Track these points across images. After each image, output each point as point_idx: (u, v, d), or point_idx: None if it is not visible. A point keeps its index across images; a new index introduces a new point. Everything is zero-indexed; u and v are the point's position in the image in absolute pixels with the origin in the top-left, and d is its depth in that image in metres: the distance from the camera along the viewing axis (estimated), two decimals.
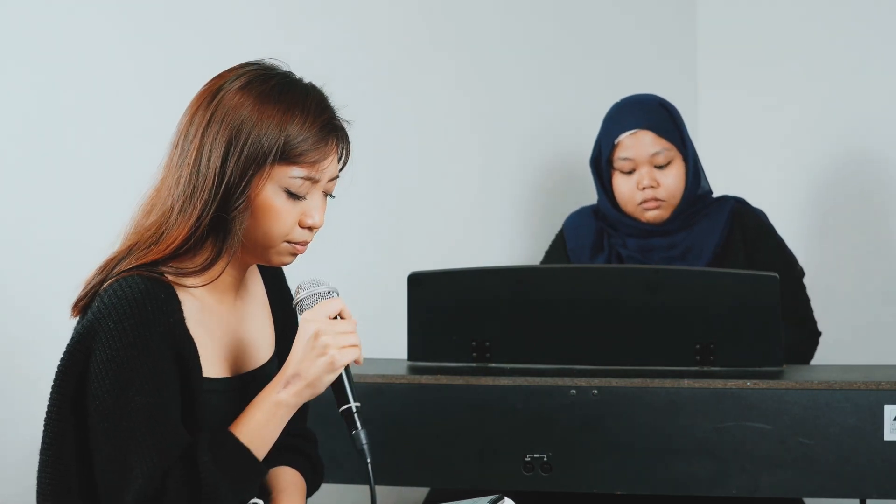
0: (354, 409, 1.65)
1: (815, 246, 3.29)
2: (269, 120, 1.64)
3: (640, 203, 2.70)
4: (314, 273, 1.75)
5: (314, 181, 1.67)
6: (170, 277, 1.63)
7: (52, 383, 1.62)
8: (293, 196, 1.66)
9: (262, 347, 1.79)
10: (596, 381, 2.08)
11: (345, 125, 1.72)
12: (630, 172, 2.71)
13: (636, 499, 2.13)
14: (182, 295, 1.64)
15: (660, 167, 2.69)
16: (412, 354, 2.27)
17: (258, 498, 1.70)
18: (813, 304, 2.76)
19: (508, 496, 1.72)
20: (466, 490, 1.97)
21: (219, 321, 1.71)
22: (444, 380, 2.13)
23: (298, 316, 1.67)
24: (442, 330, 2.26)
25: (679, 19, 3.55)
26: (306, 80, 1.72)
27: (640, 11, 3.50)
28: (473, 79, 3.20)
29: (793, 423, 2.03)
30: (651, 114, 2.71)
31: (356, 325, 1.65)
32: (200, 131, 1.65)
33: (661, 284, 2.21)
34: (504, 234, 3.27)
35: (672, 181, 2.69)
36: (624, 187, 2.72)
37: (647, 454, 2.06)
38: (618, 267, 2.58)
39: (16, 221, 2.47)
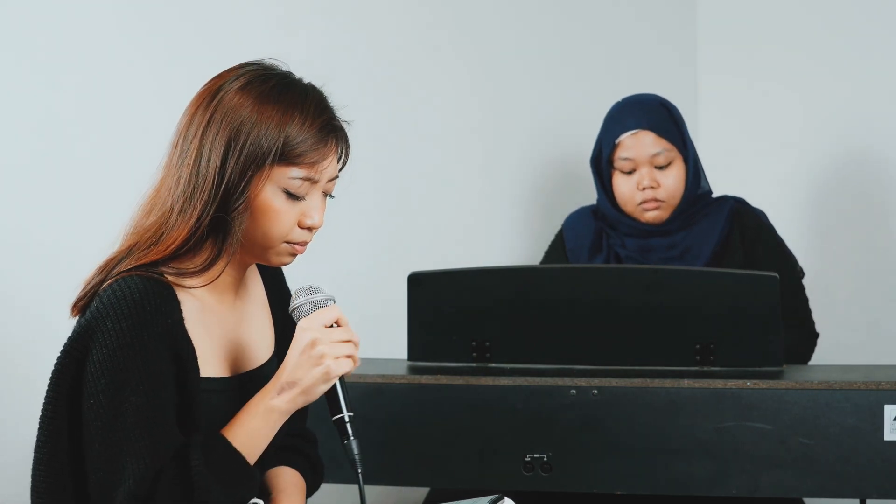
0: (347, 420, 1.65)
1: (815, 246, 3.29)
2: (268, 120, 1.64)
3: (640, 203, 2.70)
4: (314, 274, 1.75)
5: (313, 182, 1.67)
6: (169, 278, 1.63)
7: (48, 382, 1.62)
8: (292, 196, 1.66)
9: (261, 347, 1.79)
10: (596, 381, 2.08)
11: (344, 125, 1.72)
12: (630, 172, 2.71)
13: (636, 499, 2.13)
14: (182, 295, 1.64)
15: (660, 168, 2.69)
16: (412, 354, 2.27)
17: (258, 498, 1.70)
18: (813, 304, 2.76)
19: (508, 496, 1.72)
20: (466, 490, 1.97)
21: (218, 321, 1.71)
22: (444, 380, 2.13)
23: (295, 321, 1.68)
24: (442, 330, 2.26)
25: (679, 18, 3.55)
26: (306, 80, 1.72)
27: (640, 10, 3.50)
28: (473, 78, 3.20)
29: (793, 423, 2.03)
30: (652, 114, 2.71)
31: (358, 340, 1.65)
32: (200, 132, 1.65)
33: (661, 284, 2.21)
34: (504, 234, 3.27)
35: (672, 182, 2.69)
36: (624, 187, 2.72)
37: (647, 454, 2.06)
38: (618, 267, 2.58)
39: (16, 222, 2.47)
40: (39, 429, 1.62)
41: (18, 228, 2.47)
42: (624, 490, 2.08)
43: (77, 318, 1.66)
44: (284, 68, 1.72)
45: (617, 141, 2.71)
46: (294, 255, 1.71)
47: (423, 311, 2.26)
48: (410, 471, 2.16)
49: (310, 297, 1.67)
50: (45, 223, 2.50)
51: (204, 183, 1.63)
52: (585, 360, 2.19)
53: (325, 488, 1.96)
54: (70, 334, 1.62)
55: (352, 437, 1.65)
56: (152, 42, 2.64)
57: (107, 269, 1.66)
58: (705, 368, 2.16)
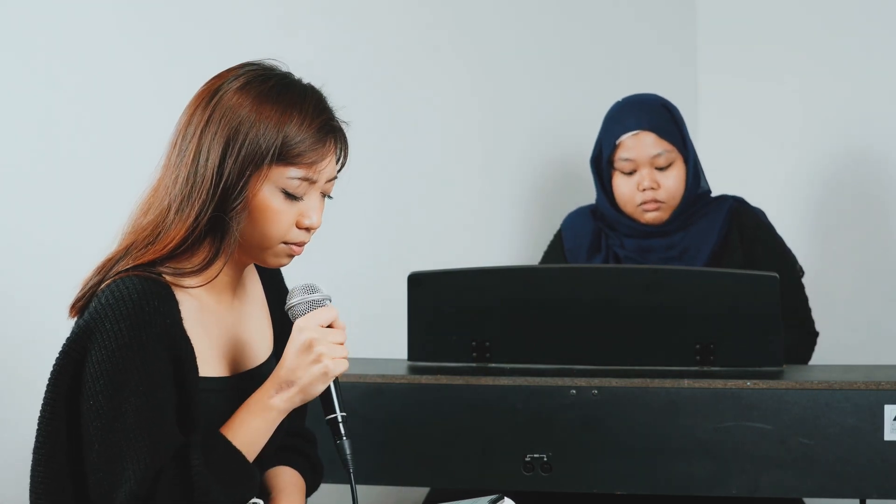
0: (340, 420, 1.66)
1: (815, 246, 3.29)
2: (267, 120, 1.64)
3: (641, 204, 2.70)
4: (313, 275, 1.75)
5: (312, 182, 1.67)
6: (167, 278, 1.63)
7: (46, 382, 1.62)
8: (291, 197, 1.66)
9: (260, 346, 1.79)
10: (596, 381, 2.08)
11: (343, 126, 1.72)
12: (631, 173, 2.70)
13: (636, 499, 2.13)
14: (180, 295, 1.64)
15: (661, 169, 2.69)
16: (412, 354, 2.27)
17: (258, 498, 1.70)
18: (813, 304, 2.76)
19: (508, 496, 1.72)
20: (466, 490, 1.97)
21: (217, 320, 1.71)
22: (444, 380, 2.13)
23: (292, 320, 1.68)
24: (442, 330, 2.26)
25: (679, 18, 3.55)
26: (305, 80, 1.72)
27: (640, 10, 3.50)
28: (473, 78, 3.20)
29: (793, 423, 2.03)
30: (653, 115, 2.71)
31: (346, 336, 1.67)
32: (199, 131, 1.65)
33: (661, 284, 2.21)
34: (504, 234, 3.27)
35: (672, 183, 2.69)
36: (624, 188, 2.72)
37: (647, 454, 2.06)
38: (618, 267, 2.58)
39: (15, 222, 2.47)
40: (38, 430, 1.62)
41: (18, 229, 2.47)
42: (624, 490, 2.08)
43: (75, 318, 1.66)
44: (284, 68, 1.72)
45: (618, 141, 2.71)
46: (291, 256, 1.71)
47: (423, 311, 2.26)
48: (410, 471, 2.16)
49: (306, 296, 1.67)
50: (45, 223, 2.50)
51: (202, 182, 1.63)
52: (585, 360, 2.19)
53: (325, 488, 1.97)
54: (69, 335, 1.62)
55: (344, 437, 1.66)
56: (152, 42, 2.64)
57: (104, 269, 1.66)
58: (705, 368, 2.16)
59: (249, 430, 1.64)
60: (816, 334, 2.74)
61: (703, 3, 3.55)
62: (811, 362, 2.70)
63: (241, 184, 1.63)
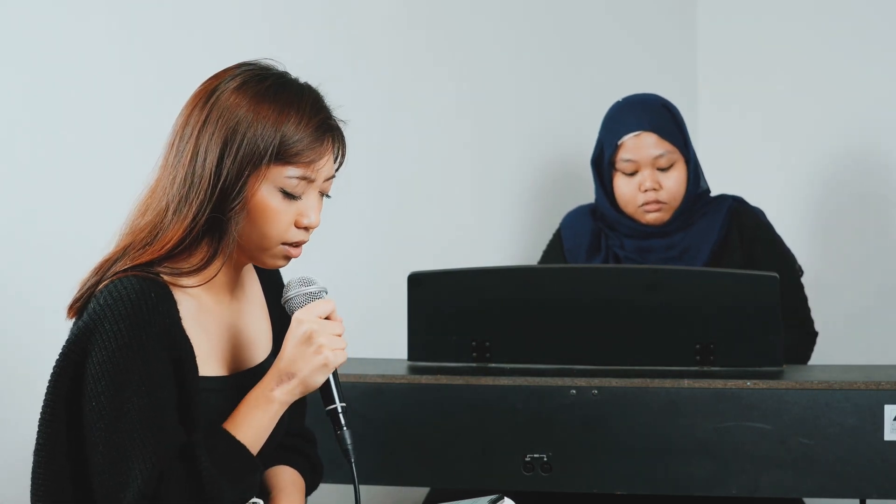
0: (340, 410, 1.68)
1: (815, 246, 3.29)
2: (264, 120, 1.63)
3: (642, 205, 2.70)
4: (313, 274, 1.75)
5: (310, 181, 1.67)
6: (165, 277, 1.63)
7: (47, 384, 1.62)
8: (289, 196, 1.66)
9: (259, 345, 1.79)
10: (596, 381, 2.08)
11: (341, 125, 1.72)
12: (632, 174, 2.70)
13: (636, 499, 2.13)
14: (178, 295, 1.64)
15: (662, 169, 2.69)
16: (412, 354, 2.27)
17: (258, 497, 1.70)
18: (812, 303, 2.76)
19: (508, 496, 1.72)
20: (466, 490, 1.97)
21: (216, 320, 1.71)
22: (444, 380, 2.13)
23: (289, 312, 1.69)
24: (442, 330, 2.26)
25: (679, 18, 3.55)
26: (302, 80, 1.72)
27: (640, 10, 3.50)
28: (472, 78, 3.20)
29: (793, 423, 2.03)
30: (655, 115, 2.71)
31: (344, 327, 1.67)
32: (196, 131, 1.65)
33: (661, 284, 2.21)
34: (504, 234, 3.27)
35: (674, 183, 2.69)
36: (625, 188, 2.71)
37: (647, 454, 2.06)
38: (618, 267, 2.58)
39: (15, 222, 2.47)
40: (38, 431, 1.62)
41: (18, 229, 2.47)
42: (624, 490, 2.08)
43: (74, 319, 1.66)
44: (280, 68, 1.72)
45: (619, 142, 2.71)
46: (289, 258, 1.71)
47: (423, 311, 2.26)
48: (410, 471, 2.16)
49: (303, 288, 1.68)
50: (45, 223, 2.50)
51: (200, 182, 1.63)
52: (585, 360, 2.19)
53: (325, 488, 1.96)
54: (68, 336, 1.62)
55: (344, 427, 1.67)
56: (150, 42, 2.64)
57: (102, 269, 1.66)
58: (705, 368, 2.16)
59: (252, 425, 1.64)
60: (816, 334, 2.74)
61: (704, 4, 3.55)
62: (811, 362, 2.70)
63: (239, 184, 1.63)
